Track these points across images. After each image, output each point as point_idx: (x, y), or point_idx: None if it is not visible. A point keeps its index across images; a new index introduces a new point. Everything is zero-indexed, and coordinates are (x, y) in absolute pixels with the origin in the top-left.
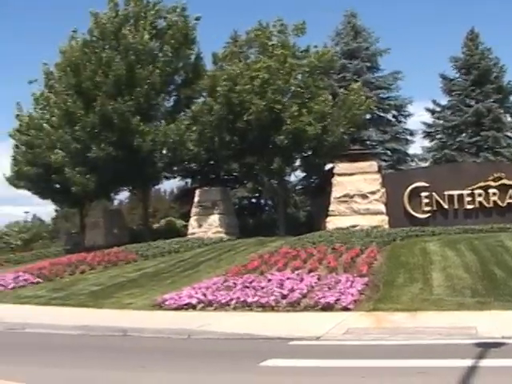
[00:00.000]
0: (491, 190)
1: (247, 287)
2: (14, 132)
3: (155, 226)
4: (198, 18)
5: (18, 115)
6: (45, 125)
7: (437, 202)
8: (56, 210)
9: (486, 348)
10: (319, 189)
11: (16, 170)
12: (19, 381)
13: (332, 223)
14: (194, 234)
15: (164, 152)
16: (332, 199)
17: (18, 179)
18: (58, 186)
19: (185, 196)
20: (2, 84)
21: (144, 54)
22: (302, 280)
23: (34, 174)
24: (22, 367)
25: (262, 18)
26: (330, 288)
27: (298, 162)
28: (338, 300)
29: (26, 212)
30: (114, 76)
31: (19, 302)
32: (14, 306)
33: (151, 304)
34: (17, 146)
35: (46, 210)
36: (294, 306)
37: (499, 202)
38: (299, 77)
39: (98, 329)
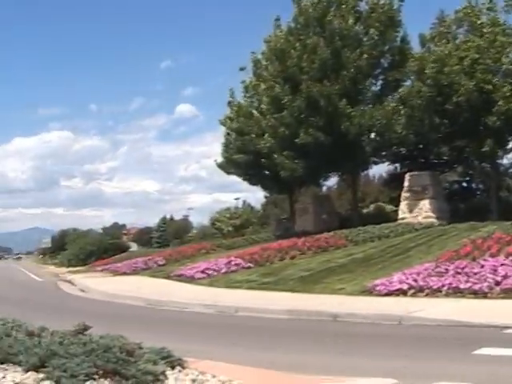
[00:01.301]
0: None
1: (459, 273)
2: (225, 119)
3: (364, 211)
4: (402, 0)
5: (229, 102)
6: (254, 112)
7: None
8: (266, 197)
9: None
10: None
11: (226, 157)
12: (228, 362)
13: None
14: (403, 219)
15: (372, 136)
16: None
17: (228, 165)
18: (267, 172)
19: (394, 181)
20: (219, 73)
21: (349, 39)
22: None
23: (243, 161)
24: (233, 349)
25: None
26: None
27: (511, 144)
28: None
29: (237, 198)
30: (319, 61)
31: (231, 287)
32: (226, 290)
33: (361, 289)
34: (228, 133)
35: (256, 196)
36: (508, 293)
37: None
38: (511, 55)
39: (308, 313)
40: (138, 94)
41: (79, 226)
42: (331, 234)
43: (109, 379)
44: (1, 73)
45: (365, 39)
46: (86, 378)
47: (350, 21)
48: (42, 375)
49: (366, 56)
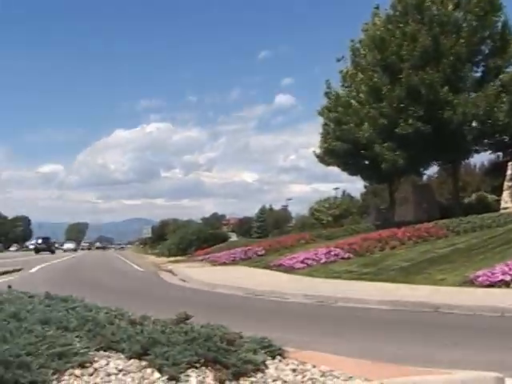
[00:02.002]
0: None
1: None
2: (323, 110)
3: (465, 200)
4: None
5: (326, 93)
6: (352, 101)
7: None
8: (365, 186)
9: None
10: None
11: (325, 147)
12: (329, 353)
13: None
14: (506, 208)
15: (474, 124)
16: None
17: (327, 156)
18: (366, 162)
19: (496, 169)
20: (317, 62)
21: (448, 25)
22: None
23: (342, 151)
24: (333, 339)
25: None
26: None
27: None
28: None
29: (336, 188)
30: (419, 48)
31: (330, 277)
32: (325, 281)
33: (462, 280)
34: (326, 124)
35: (355, 186)
36: None
37: None
38: None
39: (408, 304)
40: (237, 84)
41: (179, 217)
42: (432, 223)
43: (209, 368)
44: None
45: (464, 25)
46: (188, 366)
47: (450, 7)
48: (144, 363)
49: (464, 42)
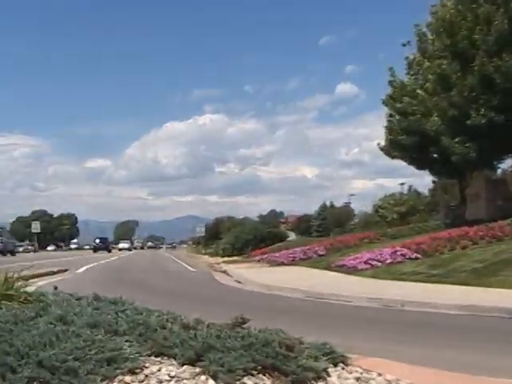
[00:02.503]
0: None
1: None
2: (388, 99)
3: None
4: None
5: (390, 81)
6: (418, 91)
7: None
8: (433, 181)
9: None
10: None
11: (390, 139)
12: (395, 360)
13: None
14: None
15: None
16: None
17: (392, 149)
18: (435, 155)
19: None
20: (381, 49)
21: None
22: None
23: (408, 143)
24: (399, 346)
25: None
26: None
27: None
28: None
29: (402, 184)
30: (494, 32)
31: (396, 279)
32: (391, 283)
33: None
34: (390, 115)
35: (423, 181)
36: None
37: None
38: None
39: (482, 309)
40: (296, 72)
41: (234, 214)
42: (507, 221)
43: (267, 375)
44: (156, 57)
45: None
46: (244, 374)
47: None
48: (198, 369)
49: None
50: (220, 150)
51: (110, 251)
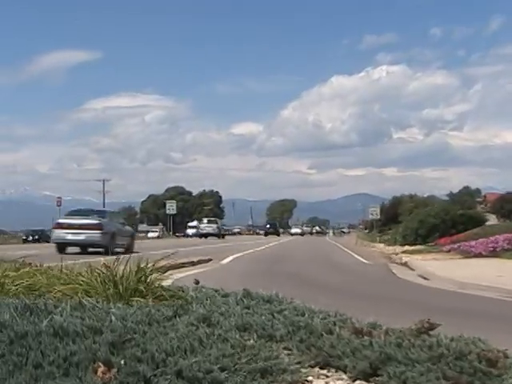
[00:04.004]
0: None
1: None
2: None
3: None
4: None
5: None
6: None
7: None
8: None
9: None
10: None
11: None
12: None
13: None
14: None
15: None
16: None
17: None
18: None
19: None
20: None
21: None
22: None
23: None
24: None
25: None
26: None
27: None
28: None
29: None
30: None
31: None
32: None
33: None
34: None
35: None
36: None
37: None
38: None
39: None
40: (497, 10)
41: (417, 192)
42: None
43: None
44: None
45: None
46: None
47: None
48: None
49: None
50: (399, 110)
51: (278, 235)
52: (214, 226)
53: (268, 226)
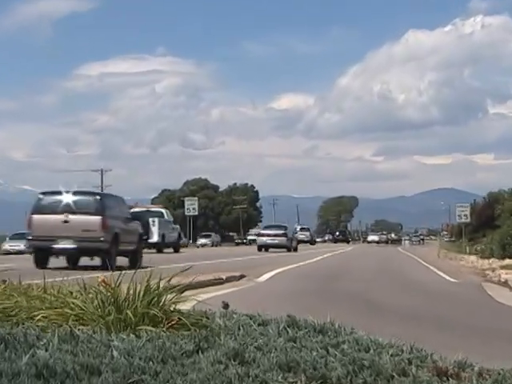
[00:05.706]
0: None
1: None
2: None
3: None
4: None
5: None
6: None
7: None
8: None
9: None
10: None
11: None
12: None
13: None
14: None
15: None
16: None
17: None
18: None
19: None
20: None
21: None
22: None
23: None
24: None
25: None
26: None
27: None
28: None
29: None
30: None
31: None
32: None
33: None
34: None
35: None
36: None
37: None
38: None
39: None
40: None
41: None
42: None
43: None
44: None
45: None
46: None
47: None
48: None
49: None
50: (498, 76)
51: (348, 242)
52: (307, 233)
53: (337, 233)
